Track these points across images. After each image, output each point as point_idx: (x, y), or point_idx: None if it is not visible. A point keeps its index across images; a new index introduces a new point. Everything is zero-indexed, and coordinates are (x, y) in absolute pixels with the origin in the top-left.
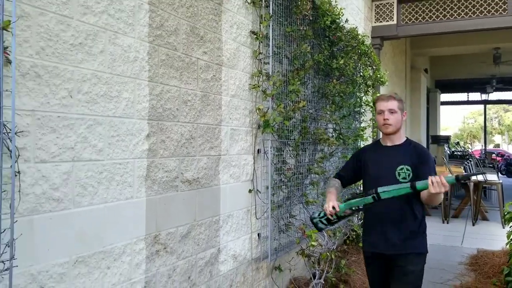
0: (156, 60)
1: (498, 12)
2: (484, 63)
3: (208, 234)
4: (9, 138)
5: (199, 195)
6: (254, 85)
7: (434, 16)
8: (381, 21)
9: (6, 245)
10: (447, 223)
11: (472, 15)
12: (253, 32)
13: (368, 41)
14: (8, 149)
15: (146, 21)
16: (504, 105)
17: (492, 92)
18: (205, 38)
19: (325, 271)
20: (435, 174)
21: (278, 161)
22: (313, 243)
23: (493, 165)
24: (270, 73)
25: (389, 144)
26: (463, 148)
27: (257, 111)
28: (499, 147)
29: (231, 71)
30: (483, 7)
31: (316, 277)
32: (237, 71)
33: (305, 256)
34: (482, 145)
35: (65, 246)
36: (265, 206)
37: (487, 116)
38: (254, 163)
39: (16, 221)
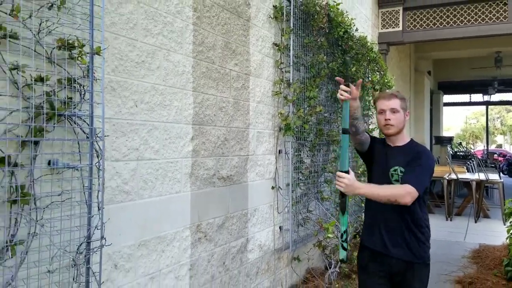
0: (199, 73)
1: (499, 20)
2: (485, 68)
3: (239, 225)
4: (95, 141)
5: (231, 191)
6: (276, 92)
7: (438, 23)
8: (387, 28)
9: (96, 227)
10: (451, 220)
11: (474, 22)
12: (275, 44)
13: (376, 48)
14: (96, 150)
15: (191, 39)
16: (506, 106)
17: (494, 94)
18: (236, 51)
19: (339, 262)
20: (416, 175)
21: (296, 160)
22: (329, 235)
23: (495, 165)
24: (291, 81)
25: (391, 145)
26: (465, 149)
27: (279, 115)
28: (501, 147)
29: (257, 79)
30: (484, 14)
31: (332, 266)
32: (262, 80)
33: (321, 247)
34: (484, 146)
35: (131, 231)
36: (285, 201)
37: (489, 117)
38: (276, 162)
39: (103, 207)
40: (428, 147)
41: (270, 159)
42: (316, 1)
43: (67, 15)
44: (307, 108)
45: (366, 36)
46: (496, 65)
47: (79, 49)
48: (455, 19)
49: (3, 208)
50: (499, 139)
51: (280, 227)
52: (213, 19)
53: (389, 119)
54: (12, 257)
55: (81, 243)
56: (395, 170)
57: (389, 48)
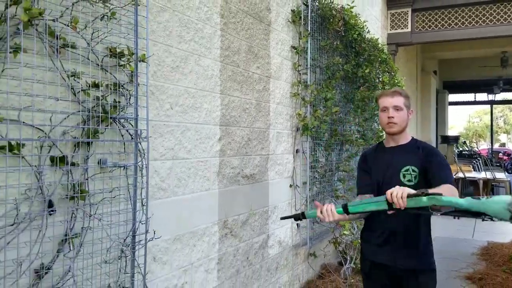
0: (225, 76)
1: (507, 21)
2: (490, 66)
3: (260, 222)
4: (139, 142)
5: (253, 189)
6: (294, 93)
7: (446, 24)
8: (396, 29)
9: (140, 222)
10: (458, 219)
11: (482, 23)
12: (293, 47)
13: (385, 49)
14: (139, 150)
15: (218, 44)
16: (510, 105)
17: (499, 93)
18: (258, 55)
19: (354, 258)
20: (449, 173)
21: (313, 160)
22: (345, 232)
23: (500, 163)
24: (308, 83)
25: (392, 144)
26: (470, 148)
27: (297, 116)
28: (504, 146)
29: (276, 82)
30: (492, 16)
31: (347, 262)
32: (281, 82)
33: (337, 243)
34: (488, 144)
35: (168, 227)
36: (302, 199)
37: (493, 115)
38: (293, 161)
39: (145, 205)
40: (434, 146)
41: (288, 158)
42: (332, 5)
43: (115, 25)
44: (323, 109)
45: (378, 38)
46: (502, 65)
47: (128, 57)
48: (463, 20)
49: (64, 203)
50: (503, 137)
51: (297, 224)
52: (238, 24)
53: (392, 117)
54: (72, 249)
55: (127, 237)
56: (407, 170)
57: (398, 48)
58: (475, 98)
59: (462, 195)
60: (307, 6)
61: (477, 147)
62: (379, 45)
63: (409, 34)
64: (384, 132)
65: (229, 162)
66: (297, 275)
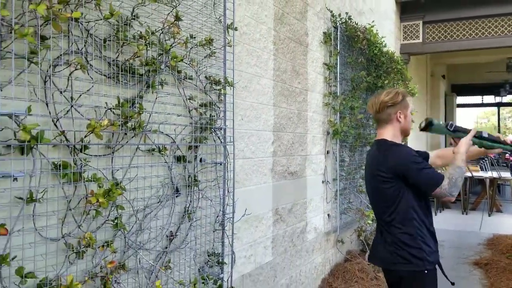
0: (276, 91)
1: (511, 33)
2: (496, 71)
3: (301, 211)
4: (227, 145)
5: (296, 183)
6: (326, 103)
7: (454, 36)
8: (408, 40)
9: (227, 205)
10: (466, 214)
11: (488, 34)
12: (325, 64)
13: (400, 59)
14: (228, 152)
15: (272, 67)
16: None
17: (505, 96)
18: (298, 72)
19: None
20: None
21: (340, 159)
22: (369, 221)
23: (507, 164)
24: (338, 94)
25: None
26: None
27: (329, 122)
28: None
29: (312, 94)
30: (497, 28)
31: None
32: (316, 94)
33: (361, 231)
34: None
35: (240, 210)
36: (332, 193)
37: (500, 116)
38: (325, 161)
39: (232, 192)
40: (444, 147)
41: (320, 158)
42: (357, 27)
43: (212, 60)
44: (349, 116)
45: (394, 52)
46: (508, 70)
47: (223, 84)
48: (470, 32)
49: (184, 190)
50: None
51: (328, 215)
52: (285, 49)
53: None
54: (188, 221)
55: (217, 216)
56: None
57: (410, 57)
58: (482, 100)
59: (470, 193)
60: (336, 28)
61: None
62: (395, 57)
63: (421, 45)
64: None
65: (279, 161)
66: (328, 258)
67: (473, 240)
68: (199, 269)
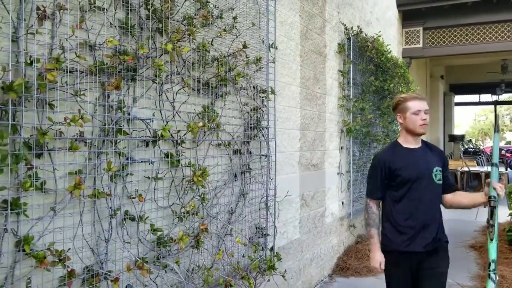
0: (302, 96)
1: (504, 39)
2: (492, 72)
3: (321, 198)
4: (269, 141)
5: (317, 174)
6: (341, 105)
7: (452, 41)
8: (410, 44)
9: (270, 189)
10: None
11: (483, 40)
12: (339, 71)
13: (402, 63)
14: (269, 146)
15: (299, 75)
16: None
17: (501, 94)
18: (319, 79)
19: None
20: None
21: (352, 154)
22: None
23: (502, 160)
24: (351, 97)
25: (413, 145)
26: (475, 145)
27: (343, 121)
28: (510, 144)
29: (329, 97)
30: (491, 34)
31: None
32: (332, 97)
33: None
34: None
35: (278, 193)
36: (345, 184)
37: (499, 114)
38: (339, 155)
39: (274, 178)
40: (442, 144)
41: (336, 153)
42: (367, 38)
43: (258, 73)
44: (360, 116)
45: (399, 59)
46: (503, 71)
47: (267, 92)
48: (467, 37)
49: (239, 176)
50: (509, 136)
51: (342, 202)
52: (308, 60)
53: (426, 119)
54: (243, 200)
55: (262, 197)
56: (436, 171)
57: (411, 61)
58: (479, 99)
59: (468, 187)
60: (349, 40)
61: (482, 145)
62: (399, 62)
63: (421, 49)
64: (399, 133)
65: (304, 155)
66: (342, 240)
67: (470, 227)
68: (249, 238)
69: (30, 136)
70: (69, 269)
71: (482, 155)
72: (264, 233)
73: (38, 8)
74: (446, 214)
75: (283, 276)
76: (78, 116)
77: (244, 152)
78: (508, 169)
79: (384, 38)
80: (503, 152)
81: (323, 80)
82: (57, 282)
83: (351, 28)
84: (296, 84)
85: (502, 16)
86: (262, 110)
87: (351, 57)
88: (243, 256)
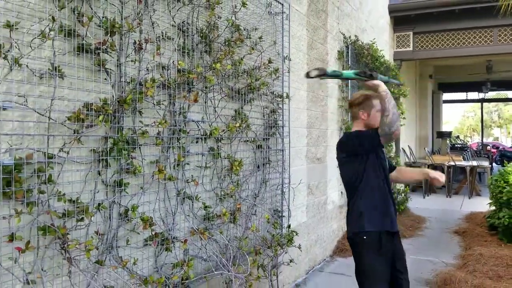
0: (308, 99)
1: (486, 43)
2: (478, 73)
3: (324, 188)
4: (284, 138)
5: (320, 167)
6: (340, 106)
7: (440, 45)
8: (400, 48)
9: (284, 178)
10: (450, 197)
11: (468, 44)
12: None
13: (392, 64)
14: (284, 142)
15: (305, 81)
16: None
17: (487, 92)
18: (321, 83)
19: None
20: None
21: None
22: None
23: (488, 155)
24: (349, 98)
25: None
26: (462, 141)
27: (342, 120)
28: (498, 140)
29: (330, 99)
30: (475, 38)
31: None
32: (333, 99)
33: None
34: (479, 139)
35: (291, 182)
36: None
37: (487, 110)
38: None
39: (287, 169)
40: (430, 141)
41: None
42: (363, 45)
43: (275, 81)
44: None
45: (391, 62)
46: (488, 71)
47: (283, 97)
48: (453, 42)
49: (261, 167)
50: (496, 132)
51: (341, 192)
52: (313, 67)
53: None
54: (265, 187)
55: (278, 185)
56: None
57: (402, 63)
58: (467, 96)
59: (454, 181)
60: (347, 47)
61: (469, 141)
62: (391, 65)
63: (411, 52)
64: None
65: (310, 150)
66: (341, 226)
67: (455, 216)
68: (268, 219)
69: (131, 135)
70: (153, 232)
71: (468, 150)
72: (280, 215)
73: (134, 42)
74: (434, 205)
75: (299, 247)
76: (162, 120)
77: (265, 147)
78: (493, 164)
79: (378, 43)
80: (488, 147)
81: (325, 83)
82: (142, 242)
83: (349, 36)
84: (304, 89)
85: (486, 23)
86: (279, 112)
87: (349, 63)
88: (267, 231)
